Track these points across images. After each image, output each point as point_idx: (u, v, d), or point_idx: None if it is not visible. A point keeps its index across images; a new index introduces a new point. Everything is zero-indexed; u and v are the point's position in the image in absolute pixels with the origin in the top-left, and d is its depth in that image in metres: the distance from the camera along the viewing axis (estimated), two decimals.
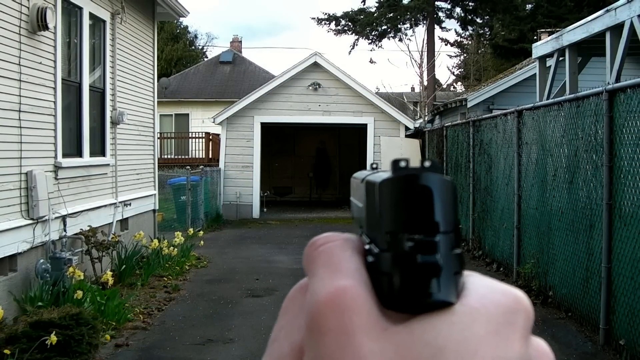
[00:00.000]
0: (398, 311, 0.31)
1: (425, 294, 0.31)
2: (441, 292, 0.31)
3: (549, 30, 15.70)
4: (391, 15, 28.56)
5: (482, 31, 30.62)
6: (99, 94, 8.70)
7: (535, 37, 17.17)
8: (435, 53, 27.47)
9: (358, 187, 0.37)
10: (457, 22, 29.77)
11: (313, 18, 33.50)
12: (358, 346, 0.30)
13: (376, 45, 30.04)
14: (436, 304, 0.31)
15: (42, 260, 6.65)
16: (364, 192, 0.35)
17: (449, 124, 13.66)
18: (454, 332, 0.30)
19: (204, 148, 23.35)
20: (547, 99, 8.91)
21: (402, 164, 0.33)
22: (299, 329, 0.34)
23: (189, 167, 14.58)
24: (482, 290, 0.32)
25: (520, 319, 0.32)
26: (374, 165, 0.39)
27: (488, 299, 0.32)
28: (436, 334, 0.30)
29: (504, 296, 0.32)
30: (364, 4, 29.36)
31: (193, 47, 45.34)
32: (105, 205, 8.68)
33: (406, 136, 16.85)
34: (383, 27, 29.42)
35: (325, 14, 29.90)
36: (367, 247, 0.34)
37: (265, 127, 16.76)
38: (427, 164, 0.33)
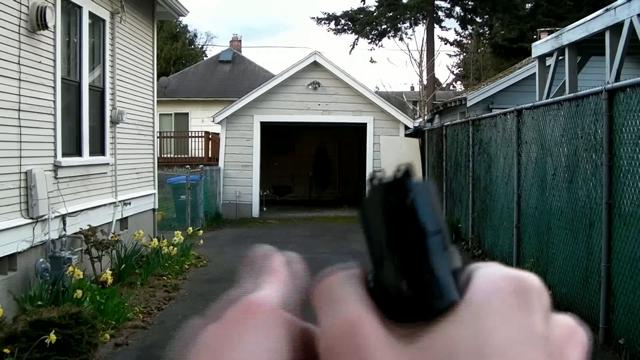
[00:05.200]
0: (406, 322, 0.31)
1: (427, 299, 0.31)
2: (443, 294, 0.31)
3: (548, 29, 15.71)
4: (391, 14, 28.57)
5: (481, 30, 30.63)
6: (98, 93, 8.70)
7: (534, 37, 17.18)
8: (435, 52, 27.49)
9: None
10: (457, 22, 29.81)
11: (313, 17, 33.48)
12: None
13: (376, 45, 30.07)
14: (441, 307, 0.31)
15: (41, 260, 6.65)
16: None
17: (449, 123, 13.66)
18: (464, 331, 0.30)
19: (203, 147, 23.34)
20: (547, 98, 8.92)
21: (375, 179, 0.33)
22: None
23: (188, 166, 14.58)
24: (483, 282, 0.32)
25: (531, 299, 0.31)
26: None
27: (491, 290, 0.31)
28: (447, 338, 0.30)
29: (507, 281, 0.32)
30: (364, 4, 29.38)
31: (192, 46, 45.33)
32: (104, 205, 8.68)
33: (406, 135, 16.85)
34: (383, 27, 29.43)
35: (325, 13, 29.95)
36: (368, 270, 0.34)
37: (265, 126, 16.76)
38: (399, 172, 0.32)
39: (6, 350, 4.74)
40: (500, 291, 0.31)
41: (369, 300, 0.32)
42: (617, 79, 7.06)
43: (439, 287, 0.31)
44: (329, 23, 29.75)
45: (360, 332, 0.31)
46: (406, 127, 16.75)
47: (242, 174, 16.38)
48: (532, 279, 0.32)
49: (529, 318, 0.30)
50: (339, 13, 29.57)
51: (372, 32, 29.57)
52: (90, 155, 8.27)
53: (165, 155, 21.91)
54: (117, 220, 9.04)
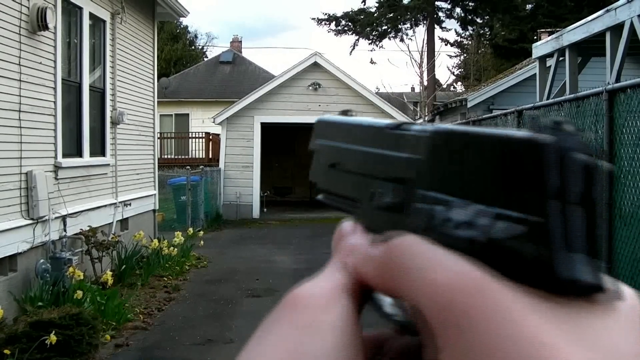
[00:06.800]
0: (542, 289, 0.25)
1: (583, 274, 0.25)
2: (594, 274, 0.25)
3: (549, 30, 15.70)
4: (391, 15, 28.58)
5: (482, 31, 30.62)
6: (99, 94, 8.70)
7: (535, 37, 17.17)
8: (435, 53, 27.51)
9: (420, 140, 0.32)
10: (457, 22, 29.79)
11: (313, 18, 33.53)
12: (523, 321, 0.24)
13: (376, 46, 30.08)
14: (589, 287, 0.25)
15: (42, 260, 6.65)
16: (477, 152, 0.28)
17: (449, 124, 13.63)
18: (623, 333, 0.24)
19: (204, 148, 23.35)
20: (547, 99, 8.91)
21: (569, 127, 0.27)
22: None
23: (189, 167, 14.59)
24: (631, 292, 0.27)
25: None
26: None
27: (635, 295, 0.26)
28: (608, 335, 0.24)
29: None
30: (364, 4, 29.39)
31: (193, 47, 45.35)
32: (105, 205, 8.67)
33: None
34: (383, 27, 29.44)
35: (326, 14, 29.95)
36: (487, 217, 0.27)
37: (265, 127, 16.77)
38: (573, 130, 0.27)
39: (7, 351, 4.74)
40: None
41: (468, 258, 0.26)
42: (617, 79, 7.05)
43: (594, 264, 0.25)
44: (330, 24, 29.77)
45: (490, 287, 0.25)
46: None
47: (243, 174, 16.39)
48: None
49: None
50: (339, 14, 29.60)
51: (373, 33, 29.58)
52: (90, 156, 8.27)
53: (165, 156, 21.92)
54: (117, 221, 9.04)
